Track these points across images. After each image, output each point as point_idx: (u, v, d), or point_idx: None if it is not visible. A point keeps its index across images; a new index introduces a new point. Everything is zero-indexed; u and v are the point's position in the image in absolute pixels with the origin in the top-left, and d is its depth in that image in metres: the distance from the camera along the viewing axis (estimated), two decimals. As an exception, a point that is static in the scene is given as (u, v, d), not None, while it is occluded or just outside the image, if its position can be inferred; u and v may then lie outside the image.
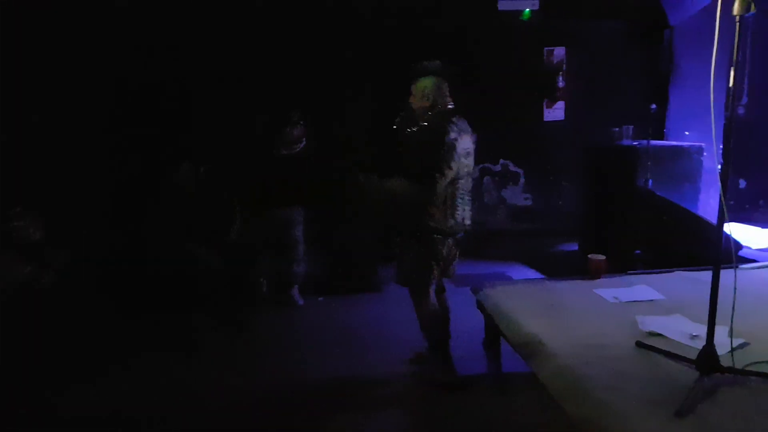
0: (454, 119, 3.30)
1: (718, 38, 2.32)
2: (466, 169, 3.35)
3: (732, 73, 2.31)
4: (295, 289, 4.97)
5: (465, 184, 3.36)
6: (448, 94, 3.40)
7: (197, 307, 4.52)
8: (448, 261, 3.48)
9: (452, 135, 3.22)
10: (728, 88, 2.35)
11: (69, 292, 3.99)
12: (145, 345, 4.12)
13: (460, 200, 3.33)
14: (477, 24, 6.51)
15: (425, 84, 3.37)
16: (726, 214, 2.29)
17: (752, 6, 2.18)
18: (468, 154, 3.36)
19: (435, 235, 3.31)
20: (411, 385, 3.50)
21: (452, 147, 3.20)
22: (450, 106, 3.38)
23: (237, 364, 3.89)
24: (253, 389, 3.51)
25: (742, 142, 7.10)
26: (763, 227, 6.11)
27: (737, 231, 5.64)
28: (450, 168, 3.20)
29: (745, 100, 7.26)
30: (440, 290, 3.67)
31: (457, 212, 3.32)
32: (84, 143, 5.09)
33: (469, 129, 3.41)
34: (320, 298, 5.09)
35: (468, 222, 3.43)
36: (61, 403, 3.36)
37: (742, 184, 7.41)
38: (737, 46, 2.27)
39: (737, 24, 2.23)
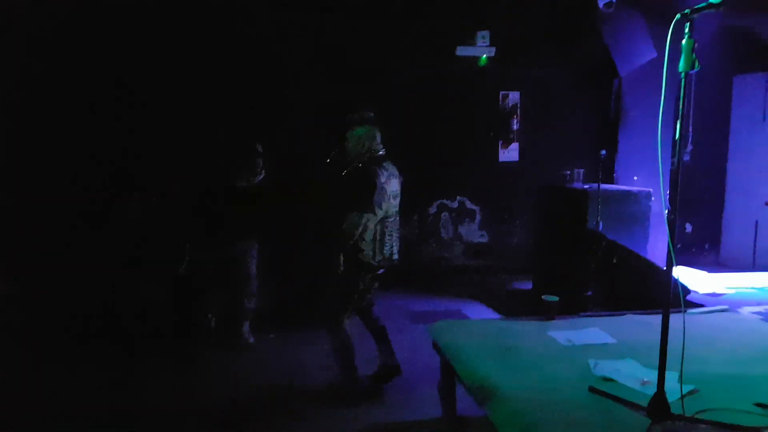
0: (384, 164, 3.67)
1: (665, 91, 2.40)
2: (394, 209, 3.72)
3: (678, 124, 2.39)
4: (246, 325, 4.82)
5: (393, 223, 3.73)
6: (380, 141, 3.72)
7: (142, 342, 4.34)
8: (365, 293, 3.82)
9: (382, 178, 3.59)
10: (674, 138, 2.43)
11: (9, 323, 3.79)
12: (85, 381, 3.92)
13: (388, 237, 3.69)
14: (436, 68, 6.68)
15: (360, 132, 3.69)
16: (674, 259, 2.34)
17: (696, 63, 2.28)
18: (396, 195, 3.72)
19: (361, 271, 3.65)
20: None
21: (383, 189, 3.57)
22: (381, 153, 3.71)
23: (178, 402, 3.73)
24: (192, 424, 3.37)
25: (689, 187, 7.43)
26: (708, 271, 6.33)
27: (684, 275, 5.83)
28: (380, 208, 3.56)
29: (690, 147, 7.62)
30: (369, 308, 3.99)
31: (386, 248, 3.67)
32: (31, 173, 4.90)
33: (397, 173, 3.79)
34: (271, 335, 4.95)
35: (396, 257, 3.78)
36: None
37: (689, 228, 7.70)
38: (683, 99, 2.36)
39: (682, 80, 2.32)
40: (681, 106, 2.40)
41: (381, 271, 3.73)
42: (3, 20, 4.81)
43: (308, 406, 3.71)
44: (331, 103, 5.76)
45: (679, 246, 7.58)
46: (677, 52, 2.32)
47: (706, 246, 7.71)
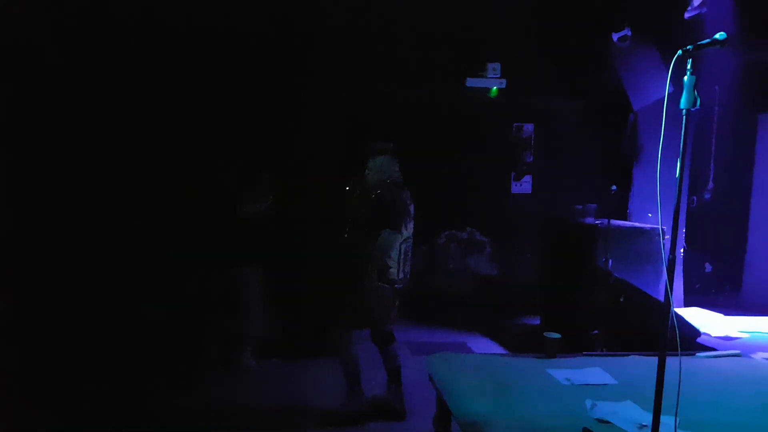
0: (405, 189, 3.98)
1: (664, 129, 2.37)
2: (412, 231, 4.00)
3: (679, 162, 2.34)
4: (248, 351, 4.80)
5: (410, 245, 4.01)
6: (398, 169, 4.01)
7: (145, 368, 4.34)
8: (392, 309, 4.03)
9: (408, 201, 3.95)
10: (676, 177, 2.39)
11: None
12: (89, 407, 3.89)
13: (409, 257, 4.00)
14: (447, 99, 6.71)
15: (382, 160, 3.97)
16: (671, 299, 2.27)
17: (697, 101, 2.24)
18: (412, 219, 4.01)
19: (392, 286, 3.90)
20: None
21: (409, 212, 3.93)
22: (400, 180, 3.98)
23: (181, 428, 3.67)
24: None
25: (709, 227, 7.29)
26: (726, 314, 6.14)
27: (698, 316, 5.66)
28: (406, 228, 3.89)
29: (711, 185, 7.49)
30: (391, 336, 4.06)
31: (407, 266, 3.98)
32: (33, 200, 4.95)
33: (412, 199, 4.06)
34: (273, 360, 4.91)
35: (408, 275, 4.05)
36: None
37: (708, 268, 7.52)
38: (684, 137, 2.32)
39: (683, 117, 2.29)
40: (682, 144, 2.36)
41: (399, 286, 3.96)
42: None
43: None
44: (342, 134, 5.83)
45: (697, 286, 7.46)
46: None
47: (727, 287, 7.52)
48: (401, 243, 3.87)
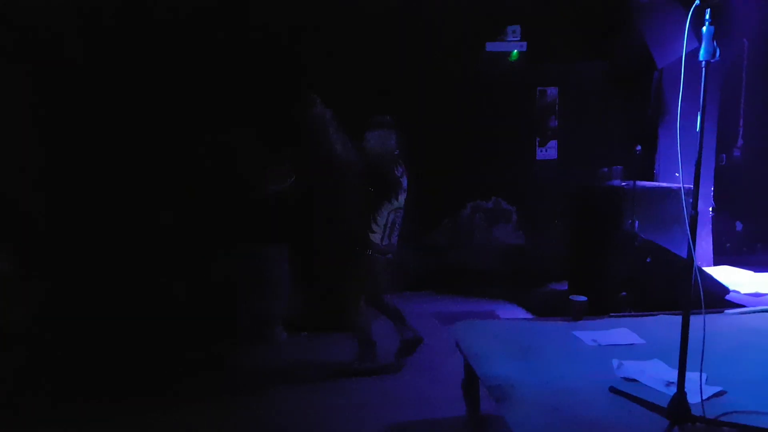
0: (399, 162, 4.21)
1: (687, 83, 2.33)
2: (403, 203, 4.24)
3: (699, 116, 2.31)
4: (278, 327, 4.92)
5: (400, 216, 4.24)
6: (395, 143, 4.20)
7: (179, 345, 4.47)
8: (379, 276, 4.22)
9: (398, 173, 4.18)
10: (697, 132, 2.35)
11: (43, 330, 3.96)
12: (125, 386, 4.04)
13: (397, 227, 4.22)
14: (467, 65, 6.61)
15: (379, 133, 4.18)
16: (693, 257, 2.26)
17: (716, 52, 2.20)
18: (405, 191, 4.24)
19: (368, 250, 4.11)
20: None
21: (401, 184, 4.18)
22: (396, 153, 4.21)
23: (218, 403, 3.80)
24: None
25: (739, 185, 7.12)
26: (756, 271, 6.03)
27: (727, 274, 5.57)
28: (397, 199, 4.15)
29: (740, 142, 7.29)
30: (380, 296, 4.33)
31: (393, 235, 4.20)
32: (57, 183, 5.06)
33: (406, 173, 4.28)
34: (303, 333, 5.02)
35: (395, 245, 4.27)
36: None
37: (739, 226, 7.37)
38: (704, 90, 2.28)
39: (703, 69, 2.24)
40: (703, 97, 2.32)
41: (389, 256, 4.20)
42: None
43: (338, 399, 3.77)
44: (361, 103, 5.79)
45: (728, 245, 7.32)
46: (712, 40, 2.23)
47: (758, 246, 7.36)
48: (390, 212, 4.12)
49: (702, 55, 2.24)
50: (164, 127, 5.46)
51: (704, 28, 2.24)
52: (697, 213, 2.33)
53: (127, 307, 4.41)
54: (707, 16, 2.24)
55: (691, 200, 2.28)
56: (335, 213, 4.26)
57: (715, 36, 2.24)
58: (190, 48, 5.62)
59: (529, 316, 5.43)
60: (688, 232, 2.32)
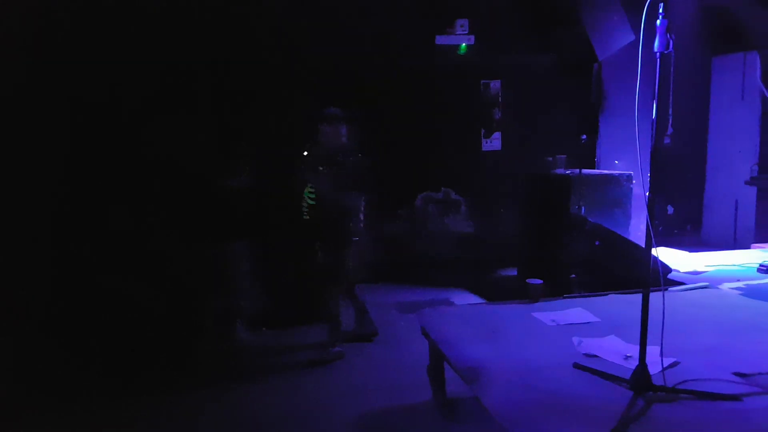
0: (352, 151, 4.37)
1: (640, 73, 2.47)
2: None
3: (654, 105, 2.45)
4: (240, 323, 4.86)
5: (362, 203, 4.42)
6: (346, 133, 4.41)
7: (139, 343, 4.36)
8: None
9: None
10: (652, 120, 2.50)
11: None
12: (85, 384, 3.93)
13: (361, 215, 4.40)
14: (416, 59, 6.69)
15: (331, 126, 4.35)
16: (653, 240, 2.41)
17: (670, 44, 2.34)
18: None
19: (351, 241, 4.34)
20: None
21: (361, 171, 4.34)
22: (347, 143, 4.39)
23: (179, 401, 3.75)
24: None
25: (670, 170, 7.53)
26: (690, 251, 6.42)
27: (666, 255, 5.91)
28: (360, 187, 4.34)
29: (670, 130, 7.69)
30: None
31: (360, 224, 4.39)
32: (22, 182, 4.82)
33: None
34: (263, 329, 4.98)
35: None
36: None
37: (671, 210, 7.80)
38: (658, 80, 2.42)
39: (657, 60, 2.38)
40: (656, 87, 2.47)
41: (355, 238, 4.40)
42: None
43: (305, 391, 3.80)
44: (312, 98, 5.77)
45: (660, 228, 7.75)
46: (654, 33, 2.38)
47: (688, 227, 7.80)
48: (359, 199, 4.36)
49: (657, 46, 2.37)
50: (118, 120, 5.26)
51: (659, 21, 2.38)
52: (654, 198, 2.48)
53: (85, 305, 4.24)
54: (661, 10, 2.38)
55: (632, 186, 2.43)
56: (326, 203, 4.32)
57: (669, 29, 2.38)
58: (152, 36, 5.43)
59: (481, 301, 5.58)
60: (648, 217, 2.46)
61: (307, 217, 4.35)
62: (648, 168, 2.55)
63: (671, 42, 2.33)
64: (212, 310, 4.84)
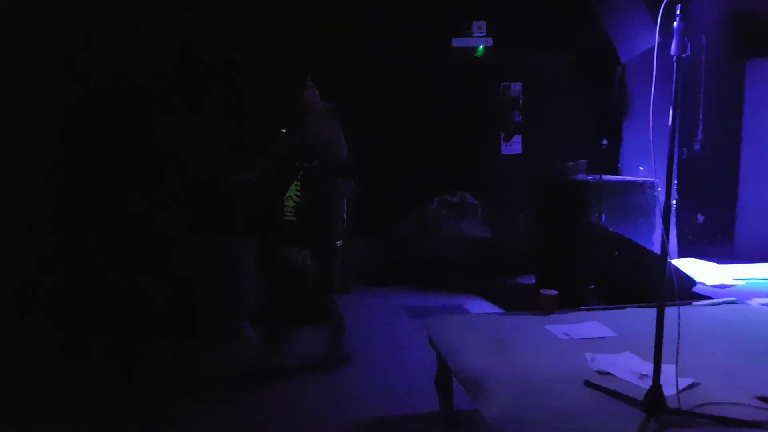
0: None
1: (655, 77, 2.33)
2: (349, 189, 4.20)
3: (672, 112, 2.32)
4: (246, 321, 4.82)
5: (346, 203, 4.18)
6: (339, 129, 4.10)
7: (144, 339, 4.36)
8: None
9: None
10: (671, 126, 2.36)
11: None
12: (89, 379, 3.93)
13: (345, 213, 4.15)
14: (433, 61, 6.60)
15: (325, 122, 4.01)
16: (667, 250, 2.27)
17: (687, 47, 2.21)
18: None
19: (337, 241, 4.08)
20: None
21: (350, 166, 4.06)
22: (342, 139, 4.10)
23: (183, 397, 3.73)
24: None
25: (700, 177, 7.31)
26: (719, 263, 6.19)
27: (692, 266, 5.70)
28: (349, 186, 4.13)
29: (700, 136, 7.47)
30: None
31: (345, 222, 4.14)
32: (29, 170, 4.89)
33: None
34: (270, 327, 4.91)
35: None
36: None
37: (700, 218, 7.56)
38: (676, 84, 2.29)
39: (675, 64, 2.25)
40: (675, 92, 2.33)
41: (340, 243, 4.13)
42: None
43: (310, 394, 3.75)
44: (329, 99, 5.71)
45: (690, 237, 7.52)
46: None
47: (719, 237, 7.55)
48: (346, 199, 4.13)
49: (674, 50, 2.24)
50: (128, 115, 5.29)
51: (675, 24, 2.25)
52: (670, 206, 2.34)
53: (88, 300, 4.26)
54: (678, 12, 2.25)
55: (656, 193, 2.30)
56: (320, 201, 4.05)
57: (686, 32, 2.25)
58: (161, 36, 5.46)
59: (496, 309, 5.45)
60: (657, 225, 2.33)
61: (292, 218, 4.02)
62: (666, 175, 2.42)
63: (689, 45, 2.19)
64: (218, 304, 4.81)
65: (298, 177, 3.97)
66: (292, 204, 3.99)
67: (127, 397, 3.71)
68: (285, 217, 4.01)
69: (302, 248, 4.02)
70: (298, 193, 3.97)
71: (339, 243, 4.09)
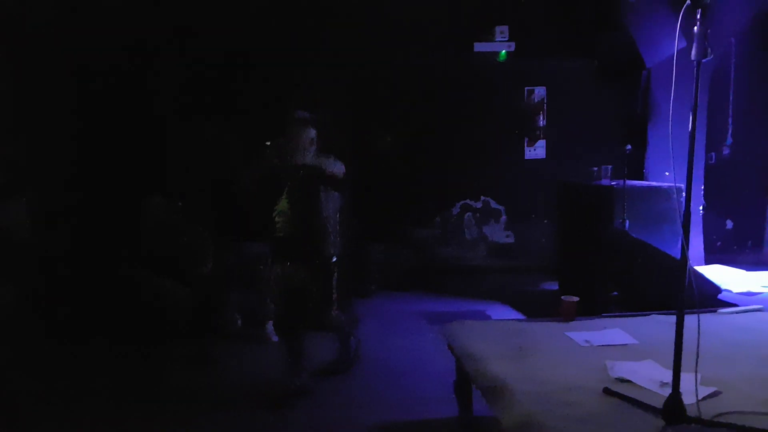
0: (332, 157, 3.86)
1: (676, 82, 2.32)
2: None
3: (692, 116, 2.30)
4: (270, 324, 4.87)
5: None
6: (314, 136, 3.83)
7: (168, 341, 4.43)
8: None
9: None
10: (691, 132, 2.34)
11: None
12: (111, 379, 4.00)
13: (338, 228, 3.94)
14: (456, 65, 6.60)
15: (300, 129, 3.77)
16: (687, 257, 2.25)
17: (708, 51, 2.19)
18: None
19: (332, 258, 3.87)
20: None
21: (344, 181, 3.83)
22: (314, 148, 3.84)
23: (205, 400, 3.78)
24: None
25: (729, 183, 7.16)
26: (747, 270, 6.05)
27: (719, 273, 5.59)
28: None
29: (729, 141, 7.33)
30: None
31: (338, 237, 3.93)
32: (55, 170, 5.03)
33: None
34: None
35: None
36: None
37: (729, 225, 7.41)
38: (696, 89, 2.27)
39: (696, 69, 2.23)
40: (695, 97, 2.31)
41: (335, 259, 3.91)
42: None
43: (326, 399, 3.76)
44: (353, 104, 5.77)
45: (718, 243, 7.37)
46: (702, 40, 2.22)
47: (749, 243, 7.40)
48: (334, 213, 3.89)
49: (694, 54, 2.23)
50: (152, 117, 5.41)
51: (696, 28, 2.23)
52: (690, 212, 2.32)
53: (111, 301, 4.35)
54: (698, 16, 2.23)
55: (683, 199, 2.27)
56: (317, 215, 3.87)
57: (706, 36, 2.23)
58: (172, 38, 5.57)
59: (519, 316, 5.42)
60: (682, 231, 2.31)
61: (281, 234, 3.82)
62: (687, 180, 2.39)
63: (709, 50, 2.17)
64: (242, 309, 4.86)
65: (285, 191, 3.79)
66: (282, 219, 3.81)
67: (146, 404, 3.74)
68: (276, 234, 3.84)
69: (297, 266, 3.80)
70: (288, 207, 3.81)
71: (334, 259, 3.88)
